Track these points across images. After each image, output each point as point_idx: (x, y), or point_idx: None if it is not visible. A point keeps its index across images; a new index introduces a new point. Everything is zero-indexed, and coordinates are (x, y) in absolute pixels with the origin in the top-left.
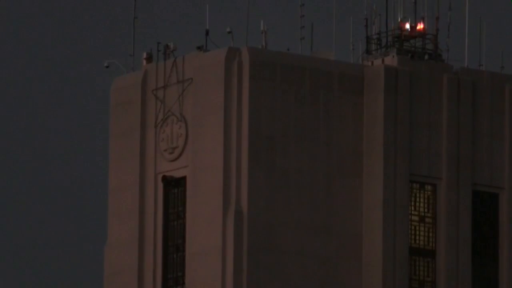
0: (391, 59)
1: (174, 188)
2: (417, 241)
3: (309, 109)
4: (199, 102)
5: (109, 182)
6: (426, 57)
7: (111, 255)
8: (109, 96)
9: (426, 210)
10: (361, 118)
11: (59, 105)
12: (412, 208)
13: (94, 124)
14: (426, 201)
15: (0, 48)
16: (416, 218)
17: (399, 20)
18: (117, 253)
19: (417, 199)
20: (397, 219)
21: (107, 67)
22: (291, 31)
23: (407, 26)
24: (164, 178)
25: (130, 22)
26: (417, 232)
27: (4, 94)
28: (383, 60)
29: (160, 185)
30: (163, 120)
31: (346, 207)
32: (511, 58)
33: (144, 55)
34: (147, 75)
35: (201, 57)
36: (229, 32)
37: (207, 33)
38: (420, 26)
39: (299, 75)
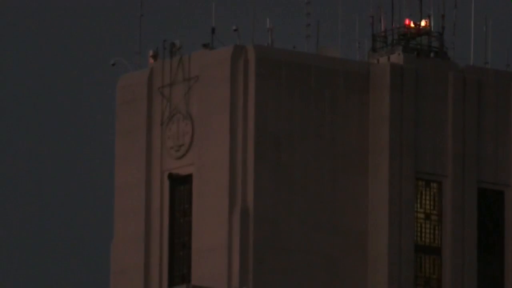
0: (397, 57)
1: (180, 185)
2: (423, 239)
3: (315, 107)
4: (205, 99)
5: (116, 179)
6: (432, 55)
7: (118, 252)
8: (115, 94)
9: (431, 207)
10: (367, 115)
11: (65, 103)
12: (418, 205)
13: (100, 122)
14: (431, 198)
15: (4, 45)
16: (421, 215)
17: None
18: (123, 251)
19: (423, 197)
20: (403, 216)
21: (113, 65)
22: (297, 29)
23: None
24: (170, 176)
25: (137, 20)
26: (423, 230)
27: (8, 93)
28: (389, 58)
29: (166, 183)
30: (169, 118)
31: (351, 204)
32: None
33: (150, 53)
34: (153, 73)
35: (207, 55)
36: (235, 30)
37: (213, 31)
38: (424, 23)
39: (305, 73)
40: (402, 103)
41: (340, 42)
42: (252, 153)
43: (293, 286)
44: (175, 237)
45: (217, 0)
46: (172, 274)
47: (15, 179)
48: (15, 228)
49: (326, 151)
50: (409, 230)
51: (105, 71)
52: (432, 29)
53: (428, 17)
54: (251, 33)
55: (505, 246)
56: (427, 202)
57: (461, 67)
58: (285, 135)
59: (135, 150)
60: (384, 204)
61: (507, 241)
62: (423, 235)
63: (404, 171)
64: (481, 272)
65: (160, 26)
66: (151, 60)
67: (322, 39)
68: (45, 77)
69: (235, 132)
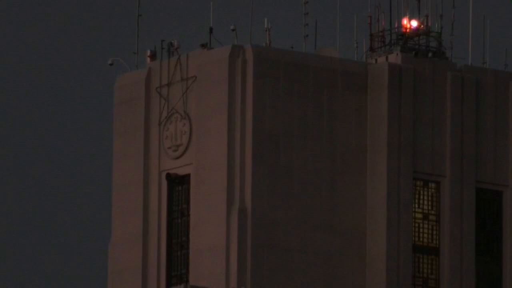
0: (395, 57)
1: (178, 185)
2: (421, 239)
3: (313, 107)
4: (203, 99)
5: (113, 179)
6: (430, 54)
7: (115, 252)
8: (113, 93)
9: (429, 207)
10: (365, 115)
11: (63, 103)
12: (416, 205)
13: (98, 122)
14: (429, 198)
15: (2, 46)
16: (419, 215)
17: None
18: (121, 251)
19: (421, 197)
20: (401, 216)
21: (111, 64)
22: (295, 29)
23: (411, 23)
24: (168, 176)
25: (134, 19)
26: (421, 230)
27: (6, 92)
28: (387, 58)
29: (164, 183)
30: (167, 118)
31: (349, 204)
32: None
33: (148, 52)
34: (151, 73)
35: (205, 55)
36: (233, 30)
37: (211, 30)
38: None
39: (303, 72)
40: (400, 103)
41: (338, 42)
42: (250, 153)
43: (291, 286)
44: (173, 237)
45: (215, 0)
46: (170, 274)
47: (12, 178)
48: (13, 228)
49: (324, 151)
50: (407, 230)
51: (103, 71)
52: (428, 29)
53: (425, 16)
54: (249, 33)
55: (503, 247)
56: (425, 202)
57: (459, 67)
58: (283, 135)
59: (133, 150)
60: (382, 204)
61: (505, 242)
62: (421, 235)
63: (402, 171)
64: (479, 273)
65: (158, 26)
66: (149, 60)
67: (320, 39)
68: (43, 76)
69: (233, 132)
